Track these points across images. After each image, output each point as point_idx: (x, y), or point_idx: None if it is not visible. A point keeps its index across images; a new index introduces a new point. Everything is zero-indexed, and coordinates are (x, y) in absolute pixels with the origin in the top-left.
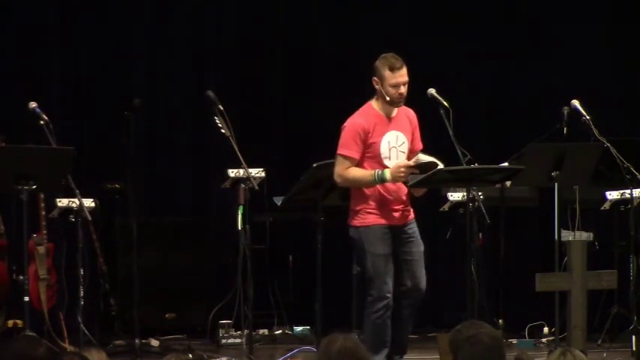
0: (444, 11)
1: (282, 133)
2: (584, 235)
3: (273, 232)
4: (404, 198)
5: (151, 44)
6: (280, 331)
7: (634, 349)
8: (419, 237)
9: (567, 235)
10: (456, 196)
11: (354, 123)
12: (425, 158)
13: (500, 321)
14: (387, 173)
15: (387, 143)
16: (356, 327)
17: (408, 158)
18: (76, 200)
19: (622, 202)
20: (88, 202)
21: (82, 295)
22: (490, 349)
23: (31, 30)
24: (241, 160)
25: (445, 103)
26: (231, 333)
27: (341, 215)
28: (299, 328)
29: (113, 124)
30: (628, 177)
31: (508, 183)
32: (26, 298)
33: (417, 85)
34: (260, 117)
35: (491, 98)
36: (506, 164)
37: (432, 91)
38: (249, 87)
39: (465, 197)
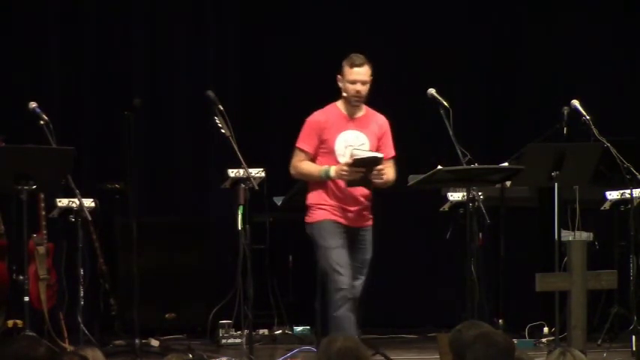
0: (444, 11)
1: (282, 134)
2: (584, 235)
3: (273, 232)
4: (360, 199)
5: (151, 44)
6: (280, 331)
7: (634, 349)
8: (370, 245)
9: (567, 235)
10: (456, 196)
11: (312, 118)
12: (362, 154)
13: (500, 321)
14: (332, 170)
15: (344, 141)
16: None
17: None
18: (76, 200)
19: (622, 202)
20: (88, 202)
21: (82, 295)
22: (504, 351)
23: (31, 30)
24: (241, 160)
25: (445, 103)
26: (231, 333)
27: None
28: (299, 328)
29: (113, 124)
30: (628, 177)
31: (508, 183)
32: (26, 298)
33: (417, 85)
34: (260, 117)
35: (491, 98)
36: (506, 164)
37: (432, 91)
38: (249, 87)
39: (465, 197)
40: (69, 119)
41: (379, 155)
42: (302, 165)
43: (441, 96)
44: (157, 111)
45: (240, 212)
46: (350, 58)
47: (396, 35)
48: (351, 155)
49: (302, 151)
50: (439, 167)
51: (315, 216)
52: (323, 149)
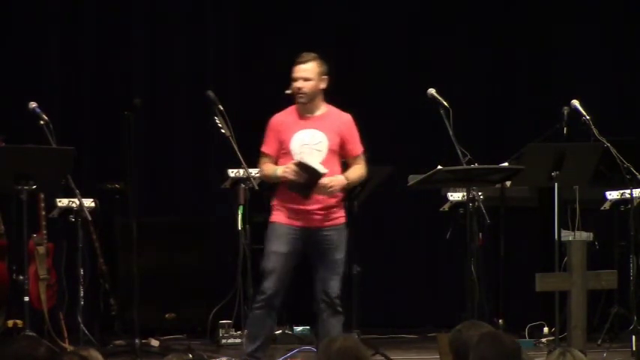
0: (445, 11)
1: None
2: (584, 235)
3: None
4: (321, 199)
5: (151, 44)
6: (280, 331)
7: (634, 349)
8: (338, 244)
9: (567, 235)
10: (456, 196)
11: (271, 120)
12: (309, 160)
13: (500, 321)
14: (279, 170)
15: (300, 140)
16: (356, 327)
17: (347, 163)
18: (76, 200)
19: (622, 202)
20: (88, 202)
21: (82, 295)
22: (510, 352)
23: (31, 30)
24: (241, 160)
25: (445, 103)
26: (231, 333)
27: None
28: (299, 328)
29: (113, 124)
30: (628, 177)
31: (508, 183)
32: (26, 298)
33: (417, 85)
34: (260, 117)
35: (491, 98)
36: (506, 164)
37: (432, 91)
38: (249, 87)
39: (465, 197)
40: (69, 119)
41: (322, 171)
42: (264, 167)
43: (441, 96)
44: (157, 111)
45: (240, 212)
46: (298, 56)
47: (396, 35)
48: (300, 158)
49: (264, 154)
50: (439, 167)
51: (272, 216)
52: (283, 150)
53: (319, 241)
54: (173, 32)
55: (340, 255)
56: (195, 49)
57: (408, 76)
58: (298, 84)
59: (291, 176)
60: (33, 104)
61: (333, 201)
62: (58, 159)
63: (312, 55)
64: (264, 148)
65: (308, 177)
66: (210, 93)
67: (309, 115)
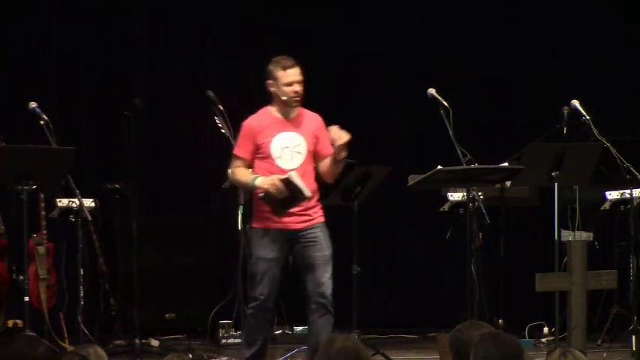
0: (445, 11)
1: None
2: (584, 235)
3: None
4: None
5: (151, 44)
6: (280, 331)
7: (634, 349)
8: (323, 241)
9: (567, 235)
10: (456, 196)
11: (246, 123)
12: (297, 181)
13: (500, 321)
14: (259, 180)
15: (279, 144)
16: (356, 327)
17: (318, 163)
18: (76, 200)
19: (622, 202)
20: (88, 202)
21: (82, 295)
22: (513, 352)
23: (31, 30)
24: None
25: (445, 103)
26: (231, 333)
27: (341, 215)
28: (299, 328)
29: (113, 124)
30: (628, 177)
31: (508, 183)
32: (26, 298)
33: (417, 85)
34: None
35: (491, 98)
36: (506, 164)
37: (432, 91)
38: (249, 86)
39: (465, 197)
40: (69, 119)
41: (307, 194)
42: (237, 172)
43: (441, 96)
44: (157, 111)
45: (240, 212)
46: (279, 62)
47: (396, 35)
48: (290, 176)
49: (238, 157)
50: (439, 167)
51: (256, 222)
52: (260, 154)
53: (305, 241)
54: (173, 32)
55: (328, 251)
56: (195, 49)
57: (408, 76)
58: (296, 87)
59: (273, 190)
60: (33, 104)
61: (311, 202)
62: (58, 159)
63: (290, 57)
64: (238, 152)
65: (289, 195)
66: (210, 93)
67: (287, 117)
